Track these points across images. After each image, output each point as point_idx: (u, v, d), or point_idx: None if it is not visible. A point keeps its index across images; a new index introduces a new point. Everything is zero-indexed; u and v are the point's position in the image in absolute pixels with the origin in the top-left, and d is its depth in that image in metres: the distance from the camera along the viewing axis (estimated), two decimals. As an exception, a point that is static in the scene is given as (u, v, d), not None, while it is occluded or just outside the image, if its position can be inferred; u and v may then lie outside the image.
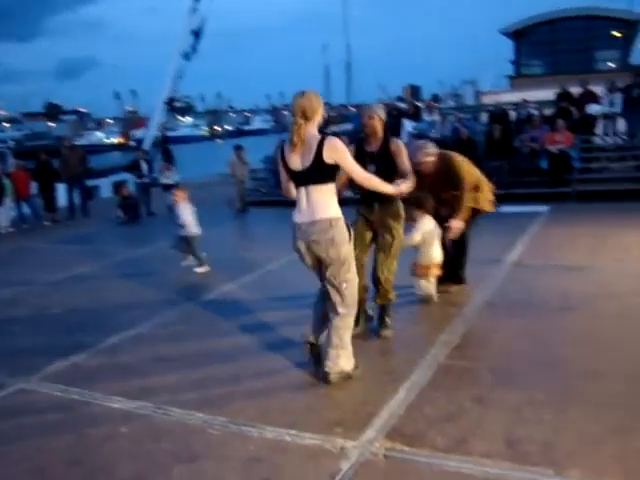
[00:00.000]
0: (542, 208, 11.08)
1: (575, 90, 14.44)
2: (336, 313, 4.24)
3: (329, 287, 4.23)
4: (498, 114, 14.60)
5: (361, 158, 4.75)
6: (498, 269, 7.02)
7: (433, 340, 4.94)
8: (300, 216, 4.21)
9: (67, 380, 4.61)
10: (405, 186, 4.63)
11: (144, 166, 14.32)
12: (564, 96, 14.47)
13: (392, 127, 17.56)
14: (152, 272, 8.16)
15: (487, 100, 23.80)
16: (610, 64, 26.94)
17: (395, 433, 3.52)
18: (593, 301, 5.70)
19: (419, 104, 19.63)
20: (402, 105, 19.55)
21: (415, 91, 62.54)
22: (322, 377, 4.31)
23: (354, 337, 4.47)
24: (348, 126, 17.85)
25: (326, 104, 4.42)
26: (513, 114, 15.03)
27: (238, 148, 14.19)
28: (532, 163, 13.32)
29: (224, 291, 6.99)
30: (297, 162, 4.15)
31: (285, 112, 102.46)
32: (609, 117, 14.01)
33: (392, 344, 4.98)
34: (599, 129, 14.35)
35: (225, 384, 4.39)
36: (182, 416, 3.92)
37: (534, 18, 26.77)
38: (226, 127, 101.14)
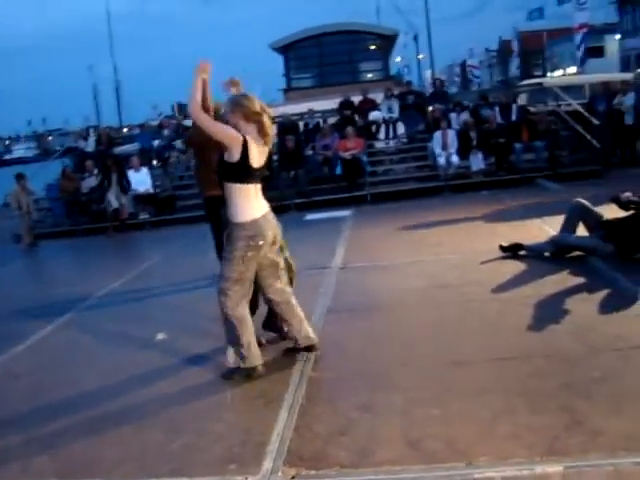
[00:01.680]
0: (345, 212, 11.52)
1: (356, 98, 15.28)
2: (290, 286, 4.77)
3: (283, 269, 4.62)
4: (287, 125, 14.94)
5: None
6: (328, 275, 7.09)
7: (292, 355, 4.77)
8: (262, 208, 4.31)
9: None
10: None
11: None
12: (347, 105, 15.24)
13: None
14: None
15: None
16: (370, 75, 29.15)
17: (294, 458, 3.31)
18: (428, 294, 5.96)
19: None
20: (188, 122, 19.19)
21: (183, 108, 61.98)
22: (310, 349, 4.69)
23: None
24: (135, 146, 17.04)
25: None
26: (301, 124, 15.52)
27: (21, 177, 12.92)
28: (326, 170, 13.85)
29: (42, 336, 6.18)
30: (261, 159, 4.26)
31: (50, 137, 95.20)
32: (389, 122, 15.03)
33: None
34: (381, 134, 15.36)
35: (81, 438, 3.82)
36: (42, 487, 3.34)
37: (301, 33, 28.02)
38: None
